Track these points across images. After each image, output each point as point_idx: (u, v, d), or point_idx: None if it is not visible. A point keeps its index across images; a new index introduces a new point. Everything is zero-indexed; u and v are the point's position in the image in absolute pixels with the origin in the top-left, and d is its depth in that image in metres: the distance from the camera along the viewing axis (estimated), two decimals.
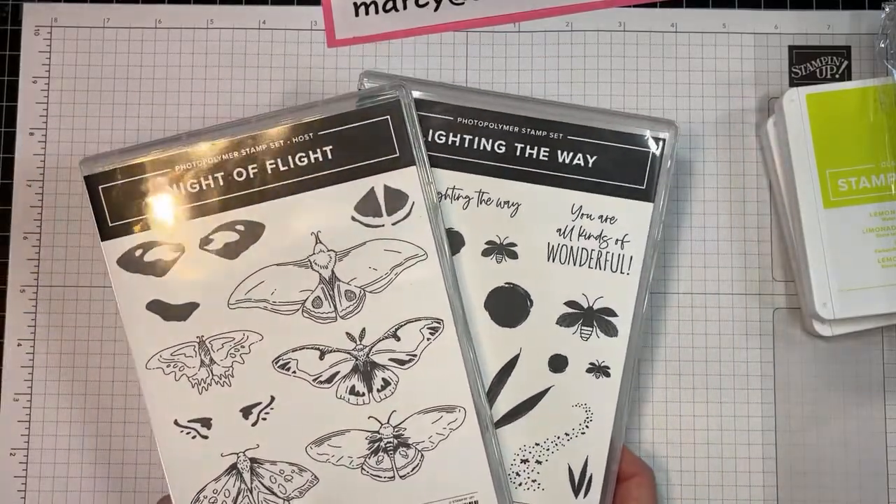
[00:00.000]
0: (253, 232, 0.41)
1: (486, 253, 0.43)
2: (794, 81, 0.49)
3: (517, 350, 0.43)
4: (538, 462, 0.43)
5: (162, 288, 0.42)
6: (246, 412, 0.42)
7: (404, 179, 0.42)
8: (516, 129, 0.43)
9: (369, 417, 0.42)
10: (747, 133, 0.49)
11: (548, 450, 0.43)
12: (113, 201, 0.42)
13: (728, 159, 0.48)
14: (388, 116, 0.41)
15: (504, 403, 0.43)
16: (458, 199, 0.43)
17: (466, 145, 0.43)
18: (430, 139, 0.43)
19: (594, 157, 0.43)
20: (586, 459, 0.43)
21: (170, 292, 0.42)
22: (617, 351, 0.43)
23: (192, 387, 0.42)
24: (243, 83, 0.49)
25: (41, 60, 0.49)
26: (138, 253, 0.42)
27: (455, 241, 0.43)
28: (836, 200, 0.45)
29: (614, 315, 0.43)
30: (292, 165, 0.41)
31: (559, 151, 0.43)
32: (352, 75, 0.49)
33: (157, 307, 0.42)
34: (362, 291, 0.42)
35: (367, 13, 0.49)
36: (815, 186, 0.45)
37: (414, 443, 0.42)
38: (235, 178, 0.41)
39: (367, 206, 0.42)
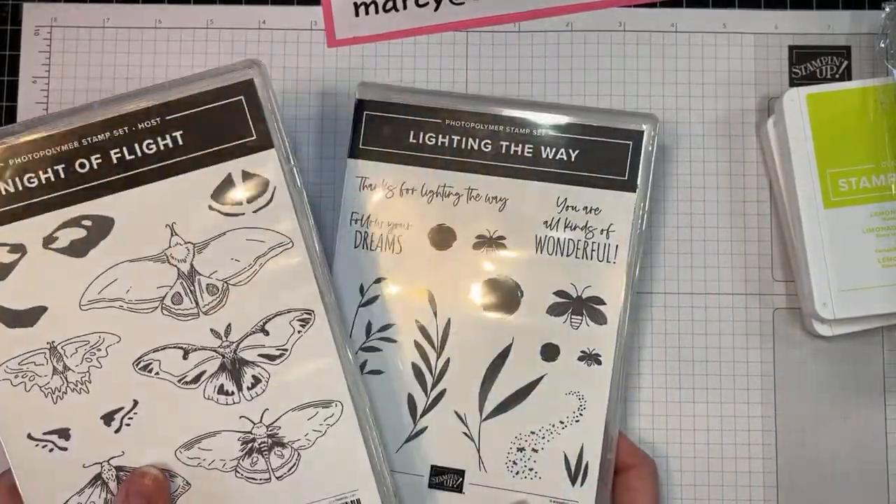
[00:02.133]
0: (101, 227, 0.39)
1: (476, 246, 0.45)
2: (794, 81, 0.49)
3: (510, 339, 0.44)
4: (534, 450, 0.44)
5: (3, 293, 0.39)
6: (107, 419, 0.39)
7: (263, 163, 0.39)
8: (501, 129, 0.45)
9: (241, 417, 0.40)
10: (747, 133, 0.49)
11: (543, 438, 0.44)
12: None
13: (728, 159, 0.48)
14: (242, 97, 0.39)
15: (499, 392, 0.44)
16: (448, 196, 0.45)
17: (455, 146, 0.45)
18: (420, 141, 0.45)
19: (576, 152, 0.44)
20: (582, 447, 0.43)
21: (13, 297, 0.39)
22: (607, 338, 0.44)
23: (46, 396, 0.39)
24: None
25: (41, 60, 0.49)
26: None
27: (447, 235, 0.45)
28: (837, 200, 0.45)
29: (602, 303, 0.44)
30: (139, 153, 0.38)
31: (543, 148, 0.45)
32: (352, 75, 0.49)
33: None
34: (225, 285, 0.39)
35: (367, 13, 0.49)
36: (815, 186, 0.45)
37: (289, 441, 0.40)
38: (78, 169, 0.38)
39: (225, 193, 0.39)
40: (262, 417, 0.40)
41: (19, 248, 0.39)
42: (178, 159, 0.39)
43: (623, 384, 0.44)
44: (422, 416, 0.44)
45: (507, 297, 0.44)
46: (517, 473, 0.44)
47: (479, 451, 0.44)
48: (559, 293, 0.44)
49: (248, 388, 0.40)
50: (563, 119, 0.45)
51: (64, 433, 0.39)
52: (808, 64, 0.49)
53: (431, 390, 0.44)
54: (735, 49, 0.49)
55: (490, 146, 0.45)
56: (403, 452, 0.44)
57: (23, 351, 0.39)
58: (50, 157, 0.38)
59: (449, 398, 0.44)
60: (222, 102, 0.39)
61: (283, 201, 0.40)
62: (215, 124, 0.39)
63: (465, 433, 0.44)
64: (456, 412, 0.44)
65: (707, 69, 0.49)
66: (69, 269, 0.39)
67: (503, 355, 0.44)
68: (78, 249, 0.39)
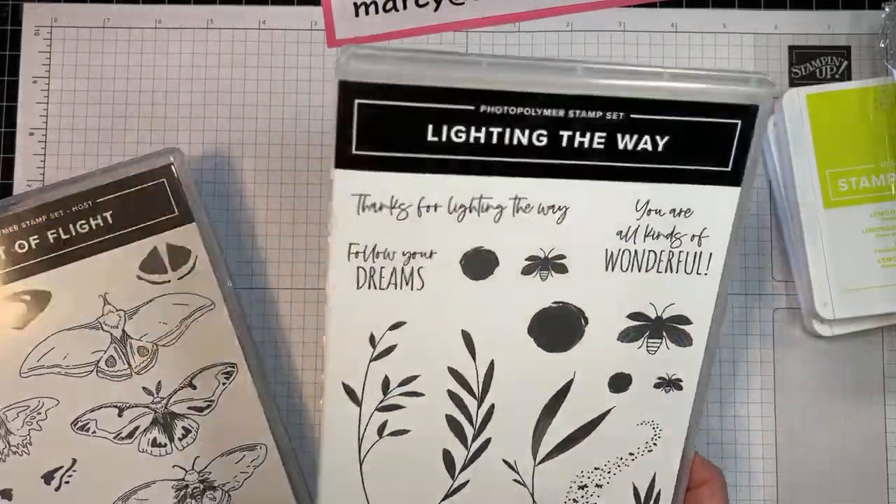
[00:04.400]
0: (39, 300, 0.42)
1: (527, 270, 0.35)
2: (794, 81, 0.49)
3: (571, 375, 0.37)
4: (598, 486, 0.38)
5: None
6: (48, 478, 0.42)
7: (186, 236, 0.43)
8: (561, 114, 0.33)
9: (174, 466, 0.43)
10: None
11: (609, 472, 0.38)
12: None
13: None
14: (164, 179, 0.43)
15: (556, 433, 0.38)
16: (487, 210, 0.34)
17: (495, 141, 0.33)
18: (444, 138, 0.33)
19: (666, 138, 0.34)
20: (654, 477, 0.39)
21: None
22: (691, 361, 0.37)
23: None
24: (243, 83, 0.49)
25: (41, 60, 0.49)
26: None
27: (487, 260, 0.35)
28: (836, 200, 0.45)
29: (688, 323, 0.37)
30: (74, 233, 0.42)
31: (619, 135, 0.33)
32: None
33: None
34: (155, 346, 0.43)
35: (367, 13, 0.49)
36: (815, 186, 0.45)
37: (220, 484, 0.44)
38: (17, 250, 0.42)
39: (151, 264, 0.43)
40: (193, 465, 0.43)
41: None
42: (109, 236, 0.43)
43: (704, 406, 0.39)
44: (461, 470, 0.37)
45: (568, 327, 0.36)
46: None
47: (532, 495, 0.38)
48: (634, 315, 0.36)
49: (180, 439, 0.43)
50: (647, 94, 0.33)
51: (7, 494, 0.42)
52: (807, 64, 0.49)
53: (472, 442, 0.37)
54: (735, 49, 0.49)
55: (545, 138, 0.33)
56: None
57: None
58: None
59: (495, 447, 0.37)
60: (146, 185, 0.43)
61: (204, 268, 0.44)
62: (141, 204, 0.43)
63: (517, 480, 0.38)
64: (504, 460, 0.38)
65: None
66: (9, 340, 0.42)
67: (562, 393, 0.37)
68: (18, 322, 0.42)
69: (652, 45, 0.49)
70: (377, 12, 0.49)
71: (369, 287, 0.34)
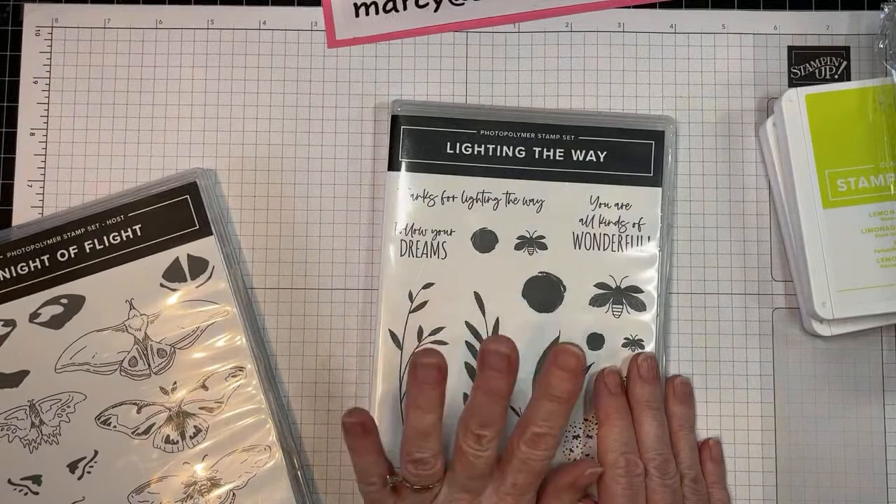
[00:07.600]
0: (75, 303, 0.47)
1: (518, 247, 0.47)
2: (794, 82, 0.49)
3: (557, 333, 0.47)
4: (588, 437, 0.46)
5: None
6: (72, 467, 0.46)
7: (205, 248, 0.47)
8: (533, 135, 0.48)
9: (184, 463, 0.46)
10: (747, 133, 0.49)
11: (597, 424, 0.45)
12: None
13: (728, 159, 0.48)
14: (188, 196, 0.47)
15: None
16: (488, 201, 0.48)
17: (491, 153, 0.48)
18: (457, 151, 0.48)
19: (605, 153, 0.48)
20: None
21: (3, 363, 0.46)
22: (647, 324, 0.47)
23: (24, 447, 0.46)
24: (243, 83, 0.49)
25: (42, 61, 0.49)
26: None
27: (489, 238, 0.47)
28: (836, 200, 0.45)
29: (640, 291, 0.47)
30: (107, 244, 0.47)
31: (573, 151, 0.48)
32: (352, 75, 0.49)
33: None
34: (172, 348, 0.47)
35: (367, 14, 0.49)
36: (815, 187, 0.45)
37: (226, 482, 0.46)
38: (59, 258, 0.47)
39: (173, 273, 0.47)
40: (202, 462, 0.46)
41: (11, 323, 0.46)
42: (137, 247, 0.47)
43: (665, 368, 0.47)
44: None
45: (551, 292, 0.47)
46: (574, 460, 0.46)
47: None
48: (600, 285, 0.47)
49: (191, 438, 0.46)
50: (589, 123, 0.48)
51: (37, 479, 0.46)
52: (807, 64, 0.49)
53: None
54: (734, 49, 0.49)
55: (524, 152, 0.48)
56: None
57: (8, 407, 0.46)
58: (37, 249, 0.47)
59: None
60: (172, 201, 0.47)
61: (220, 277, 0.47)
62: (167, 218, 0.47)
63: None
64: (512, 407, 0.46)
65: (706, 70, 0.49)
66: (48, 339, 0.46)
67: (551, 348, 0.46)
68: (56, 322, 0.46)
69: (651, 46, 0.49)
70: (377, 13, 0.49)
71: (409, 255, 0.47)
